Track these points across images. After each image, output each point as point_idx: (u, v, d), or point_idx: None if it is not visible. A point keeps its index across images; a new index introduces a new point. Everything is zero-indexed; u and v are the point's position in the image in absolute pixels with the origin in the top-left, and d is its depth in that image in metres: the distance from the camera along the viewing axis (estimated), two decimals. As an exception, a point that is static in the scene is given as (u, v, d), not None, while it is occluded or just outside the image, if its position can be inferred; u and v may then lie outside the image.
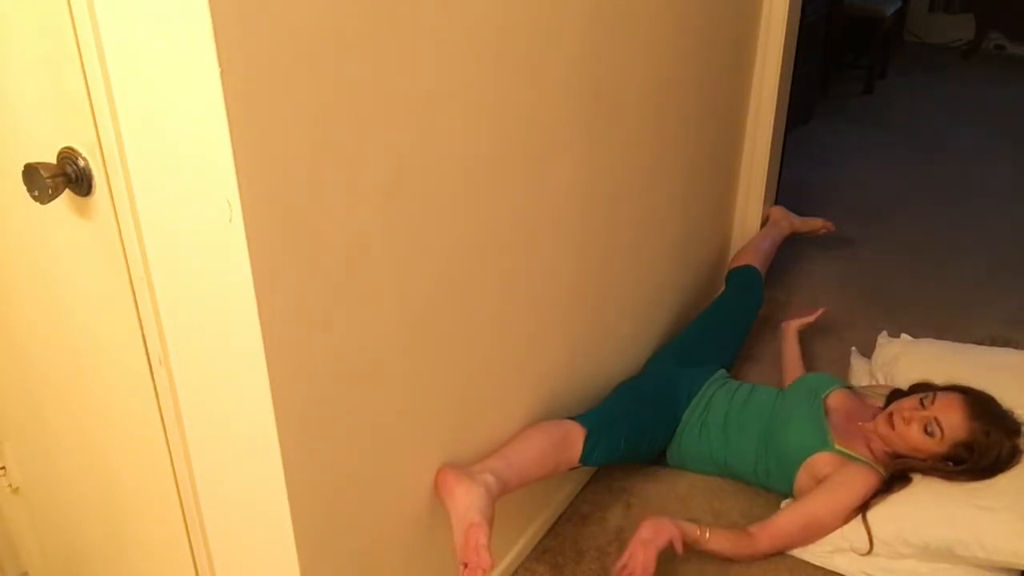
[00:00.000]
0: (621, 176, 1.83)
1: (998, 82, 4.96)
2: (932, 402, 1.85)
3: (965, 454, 1.80)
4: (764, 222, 2.79)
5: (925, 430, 1.81)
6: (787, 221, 2.82)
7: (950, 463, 1.82)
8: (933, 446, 1.81)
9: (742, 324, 2.40)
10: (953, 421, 1.81)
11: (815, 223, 2.89)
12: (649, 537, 1.67)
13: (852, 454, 1.86)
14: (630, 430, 1.85)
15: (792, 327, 2.44)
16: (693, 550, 1.78)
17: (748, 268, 2.51)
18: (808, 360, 2.47)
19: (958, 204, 3.48)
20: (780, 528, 1.83)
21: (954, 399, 1.85)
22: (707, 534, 1.78)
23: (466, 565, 1.35)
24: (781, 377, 2.34)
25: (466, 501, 1.41)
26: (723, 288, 2.53)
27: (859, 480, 1.82)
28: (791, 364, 2.36)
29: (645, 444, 1.92)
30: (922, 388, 1.95)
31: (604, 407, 1.87)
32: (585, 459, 1.71)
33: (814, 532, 1.83)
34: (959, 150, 4.00)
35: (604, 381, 2.00)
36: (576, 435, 1.70)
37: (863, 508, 1.80)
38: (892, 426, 1.86)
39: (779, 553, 1.86)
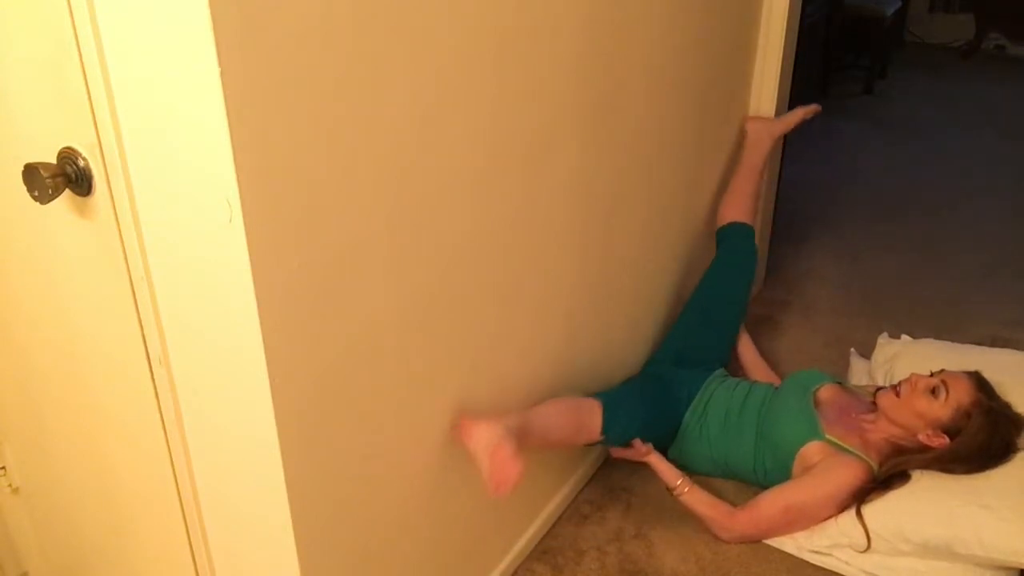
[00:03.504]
0: (622, 177, 1.83)
1: (998, 82, 4.96)
2: (940, 372, 1.91)
3: (963, 422, 1.82)
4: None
5: (932, 392, 1.85)
6: (767, 134, 2.48)
7: (947, 437, 1.82)
8: (937, 409, 1.84)
9: (736, 310, 2.33)
10: (960, 386, 1.85)
11: (796, 116, 2.53)
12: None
13: (843, 445, 1.86)
14: (642, 413, 1.88)
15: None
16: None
17: (739, 228, 2.35)
18: (808, 361, 2.47)
19: (958, 204, 3.47)
20: (761, 511, 1.85)
21: (963, 374, 1.90)
22: (685, 488, 1.87)
23: (495, 485, 1.38)
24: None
25: (488, 434, 1.43)
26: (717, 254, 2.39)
27: (845, 470, 1.83)
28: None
29: (655, 432, 1.94)
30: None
31: (614, 391, 1.90)
32: (606, 429, 1.75)
33: (796, 519, 1.85)
34: (959, 150, 4.00)
35: (602, 378, 2.00)
36: (593, 406, 1.76)
37: (858, 503, 1.81)
38: (897, 394, 1.89)
39: (760, 537, 1.88)
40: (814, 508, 1.83)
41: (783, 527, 1.86)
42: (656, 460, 1.90)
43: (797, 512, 1.84)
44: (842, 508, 1.83)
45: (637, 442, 1.88)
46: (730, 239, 2.34)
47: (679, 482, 1.88)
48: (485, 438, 1.43)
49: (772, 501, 1.86)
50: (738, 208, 2.37)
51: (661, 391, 2.02)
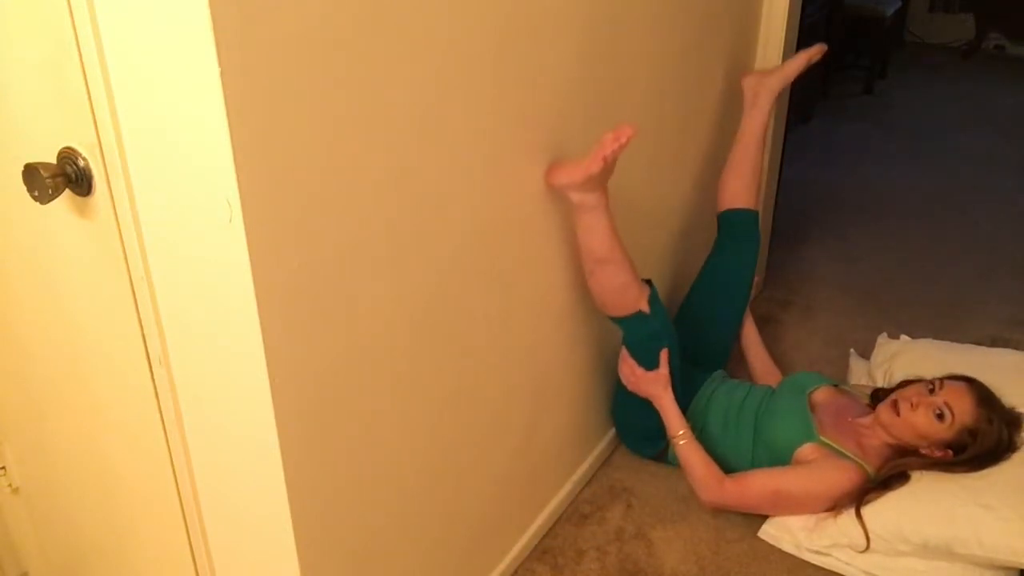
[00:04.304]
0: (622, 176, 1.83)
1: (998, 82, 4.96)
2: (940, 388, 1.85)
3: (968, 440, 1.80)
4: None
5: (937, 415, 1.81)
6: (764, 89, 2.19)
7: (951, 451, 1.82)
8: (942, 431, 1.81)
9: (738, 307, 2.26)
10: (963, 406, 1.81)
11: (797, 62, 2.21)
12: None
13: (838, 447, 1.86)
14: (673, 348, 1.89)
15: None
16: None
17: (741, 215, 2.18)
18: (808, 361, 2.47)
19: (957, 204, 3.47)
20: (750, 487, 1.87)
21: (961, 386, 1.86)
22: (684, 440, 1.87)
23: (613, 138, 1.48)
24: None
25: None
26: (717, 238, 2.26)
27: (838, 471, 1.83)
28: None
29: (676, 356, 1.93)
30: (911, 384, 1.94)
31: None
32: (652, 304, 1.78)
33: (782, 505, 1.86)
34: (958, 150, 4.00)
35: (603, 374, 2.00)
36: (644, 285, 1.79)
37: (857, 504, 1.80)
38: (897, 413, 1.85)
39: (740, 510, 1.90)
40: (804, 500, 1.84)
41: (767, 508, 1.89)
42: (669, 399, 1.88)
43: (785, 499, 1.86)
44: (832, 506, 1.83)
45: (664, 357, 1.84)
46: (732, 227, 2.19)
47: (682, 431, 1.88)
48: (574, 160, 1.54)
49: (764, 482, 1.87)
50: (740, 188, 2.17)
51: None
